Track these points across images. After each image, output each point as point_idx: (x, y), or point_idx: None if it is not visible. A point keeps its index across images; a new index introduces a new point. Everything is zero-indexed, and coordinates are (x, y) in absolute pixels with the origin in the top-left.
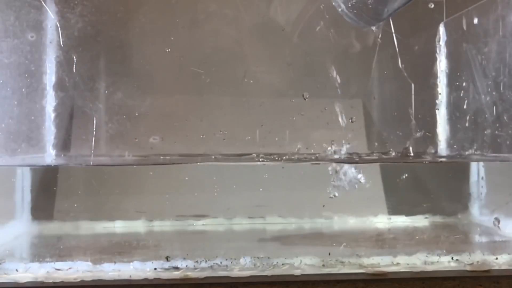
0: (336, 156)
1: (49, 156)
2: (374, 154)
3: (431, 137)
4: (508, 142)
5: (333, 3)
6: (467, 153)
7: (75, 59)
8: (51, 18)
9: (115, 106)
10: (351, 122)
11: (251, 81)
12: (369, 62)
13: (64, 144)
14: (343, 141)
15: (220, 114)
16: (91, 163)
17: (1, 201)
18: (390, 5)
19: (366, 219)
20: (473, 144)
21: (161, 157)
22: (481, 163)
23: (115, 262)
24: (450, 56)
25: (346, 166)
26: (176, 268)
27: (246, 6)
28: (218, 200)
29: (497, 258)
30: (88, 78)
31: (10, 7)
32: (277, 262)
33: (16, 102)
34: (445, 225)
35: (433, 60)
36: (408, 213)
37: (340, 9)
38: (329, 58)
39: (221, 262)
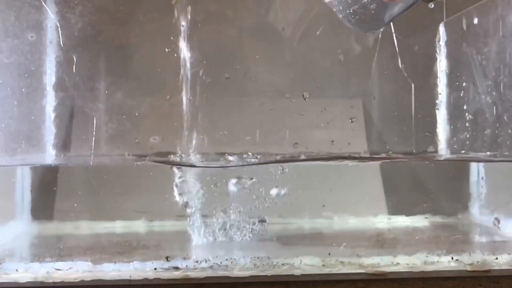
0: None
1: (49, 156)
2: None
3: (431, 137)
4: (508, 142)
5: (334, 9)
6: (467, 153)
7: (75, 59)
8: (51, 18)
9: (115, 106)
10: (351, 122)
11: (252, 81)
12: (369, 62)
13: (64, 144)
14: (343, 141)
15: (220, 114)
16: (91, 163)
17: (1, 201)
18: (391, 10)
19: (366, 219)
20: (473, 144)
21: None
22: (481, 163)
23: (115, 262)
24: (450, 56)
25: None
26: (176, 268)
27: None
28: (218, 200)
29: (497, 258)
30: (88, 78)
31: (10, 7)
32: (277, 262)
33: (16, 102)
34: (445, 225)
35: (433, 60)
36: (408, 213)
37: (341, 15)
38: (329, 58)
39: (221, 262)
